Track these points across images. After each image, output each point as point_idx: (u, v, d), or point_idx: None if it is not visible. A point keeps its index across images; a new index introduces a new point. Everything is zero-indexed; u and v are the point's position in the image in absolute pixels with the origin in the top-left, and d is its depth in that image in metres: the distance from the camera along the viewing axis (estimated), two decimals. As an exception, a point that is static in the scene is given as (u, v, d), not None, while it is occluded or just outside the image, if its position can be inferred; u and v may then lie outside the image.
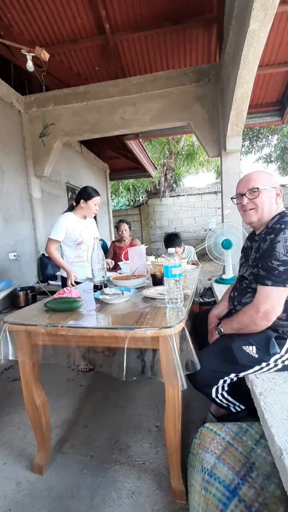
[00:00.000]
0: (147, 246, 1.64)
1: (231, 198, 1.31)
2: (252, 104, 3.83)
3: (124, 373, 0.97)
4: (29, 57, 2.63)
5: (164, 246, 2.86)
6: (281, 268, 1.03)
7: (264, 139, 9.96)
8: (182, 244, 2.88)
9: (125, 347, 0.97)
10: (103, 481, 1.22)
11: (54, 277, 3.55)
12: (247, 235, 1.40)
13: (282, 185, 7.86)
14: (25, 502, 1.15)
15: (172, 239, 2.71)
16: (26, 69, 2.73)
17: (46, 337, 1.08)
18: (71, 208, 2.17)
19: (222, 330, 1.22)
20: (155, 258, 2.06)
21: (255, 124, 4.66)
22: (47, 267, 3.68)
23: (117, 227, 3.26)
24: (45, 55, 2.62)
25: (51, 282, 3.50)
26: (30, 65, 2.67)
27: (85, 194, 2.08)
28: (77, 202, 2.11)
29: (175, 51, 3.53)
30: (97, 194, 2.11)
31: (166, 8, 2.93)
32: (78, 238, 2.09)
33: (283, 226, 1.07)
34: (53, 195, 4.35)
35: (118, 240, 3.32)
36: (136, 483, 1.20)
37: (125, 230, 3.20)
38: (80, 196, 2.10)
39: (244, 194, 1.19)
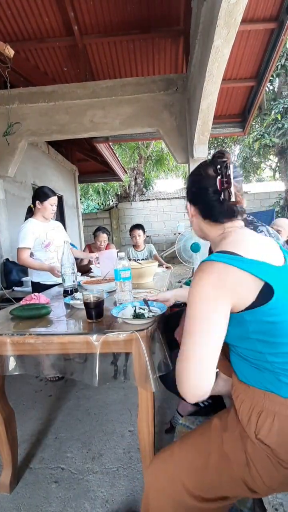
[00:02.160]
0: (118, 250, 1.64)
1: None
2: (217, 114, 4.03)
3: (97, 379, 0.96)
4: (-8, 51, 2.50)
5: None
6: None
7: (227, 149, 10.55)
8: (145, 234, 3.35)
9: (97, 352, 0.96)
10: (75, 493, 1.18)
11: (20, 283, 3.37)
12: None
13: (244, 192, 8.36)
14: (-11, 526, 1.07)
15: (136, 225, 3.31)
16: (-12, 64, 2.59)
17: (13, 346, 1.02)
18: (30, 212, 2.11)
19: None
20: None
21: (220, 134, 4.91)
22: (11, 272, 3.48)
23: (95, 235, 3.14)
24: (9, 51, 2.51)
25: (16, 289, 3.31)
26: (-7, 60, 2.54)
27: (41, 194, 2.03)
28: (34, 204, 2.05)
29: (144, 59, 3.60)
30: (53, 194, 2.06)
31: (134, 15, 2.99)
32: (45, 240, 2.04)
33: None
34: (18, 196, 4.15)
35: (94, 244, 3.24)
36: (110, 491, 1.17)
37: (104, 241, 3.08)
38: (36, 197, 2.04)
39: None
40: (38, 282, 2.07)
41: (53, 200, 2.05)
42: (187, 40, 3.10)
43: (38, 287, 2.00)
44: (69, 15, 2.88)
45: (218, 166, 0.70)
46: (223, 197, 0.70)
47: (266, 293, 0.60)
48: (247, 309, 0.61)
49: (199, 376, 0.60)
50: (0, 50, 2.48)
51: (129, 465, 1.29)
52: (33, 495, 1.18)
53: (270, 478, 0.63)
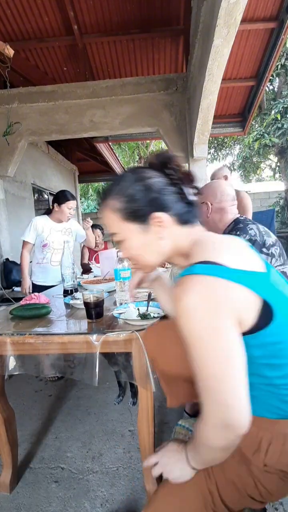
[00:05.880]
0: (118, 250, 1.64)
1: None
2: (217, 114, 4.03)
3: (97, 379, 0.95)
4: (-9, 51, 2.50)
5: None
6: None
7: (227, 148, 10.53)
8: None
9: (97, 352, 0.96)
10: (75, 492, 1.18)
11: (20, 283, 3.37)
12: None
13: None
14: (-11, 526, 1.07)
15: None
16: (-12, 63, 2.59)
17: (13, 346, 1.02)
18: (48, 212, 2.17)
19: None
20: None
21: (220, 133, 4.92)
22: (11, 272, 3.48)
23: None
24: (9, 51, 2.52)
25: (16, 289, 3.31)
26: (-8, 60, 2.54)
27: (60, 197, 2.08)
28: (53, 206, 2.11)
29: (144, 59, 3.60)
30: (73, 198, 2.11)
31: (134, 15, 2.99)
32: (44, 240, 2.07)
33: (238, 232, 1.15)
34: (18, 196, 4.15)
35: None
36: (110, 491, 1.17)
37: (98, 236, 3.15)
38: (55, 199, 2.10)
39: None
40: (40, 285, 2.09)
41: (71, 204, 2.09)
42: (187, 40, 3.10)
43: (40, 289, 2.01)
44: (69, 14, 2.88)
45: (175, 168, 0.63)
46: (193, 194, 0.64)
47: (266, 312, 0.51)
48: (249, 332, 0.52)
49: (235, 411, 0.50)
50: (0, 50, 2.48)
51: (129, 465, 1.29)
52: (33, 495, 1.18)
53: (278, 491, 0.61)
